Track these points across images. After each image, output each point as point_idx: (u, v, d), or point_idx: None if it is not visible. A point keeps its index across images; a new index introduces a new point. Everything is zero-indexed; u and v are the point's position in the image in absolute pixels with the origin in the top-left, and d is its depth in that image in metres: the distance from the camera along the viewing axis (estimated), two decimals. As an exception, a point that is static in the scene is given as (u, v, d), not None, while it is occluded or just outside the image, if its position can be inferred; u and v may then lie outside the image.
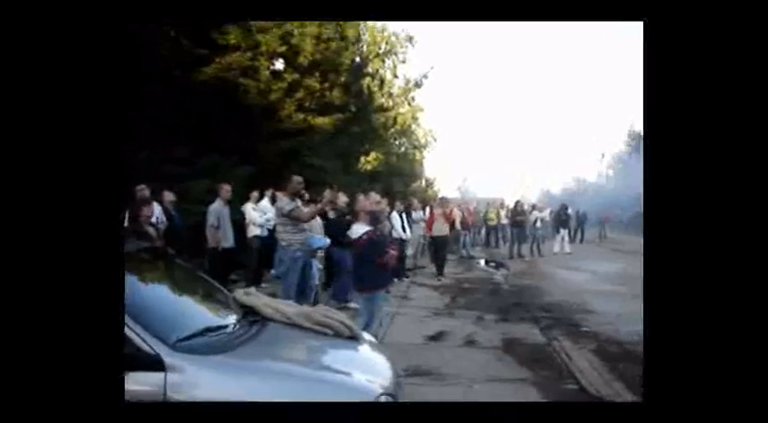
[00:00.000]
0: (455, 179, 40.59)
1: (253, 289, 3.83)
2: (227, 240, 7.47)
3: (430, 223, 10.72)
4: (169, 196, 7.15)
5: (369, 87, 15.32)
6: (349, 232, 5.09)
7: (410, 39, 16.53)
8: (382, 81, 16.60)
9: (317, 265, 6.60)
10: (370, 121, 15.53)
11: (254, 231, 8.30)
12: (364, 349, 3.20)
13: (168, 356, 2.29)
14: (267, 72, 10.46)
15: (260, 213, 8.36)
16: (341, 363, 2.87)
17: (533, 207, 16.91)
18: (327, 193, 7.03)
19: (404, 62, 17.09)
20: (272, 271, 8.05)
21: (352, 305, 6.37)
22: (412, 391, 3.77)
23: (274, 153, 10.59)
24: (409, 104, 18.35)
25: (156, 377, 2.25)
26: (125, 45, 2.01)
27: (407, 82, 17.78)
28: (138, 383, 2.21)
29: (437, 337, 6.01)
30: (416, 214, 11.69)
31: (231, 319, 2.97)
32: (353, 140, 14.43)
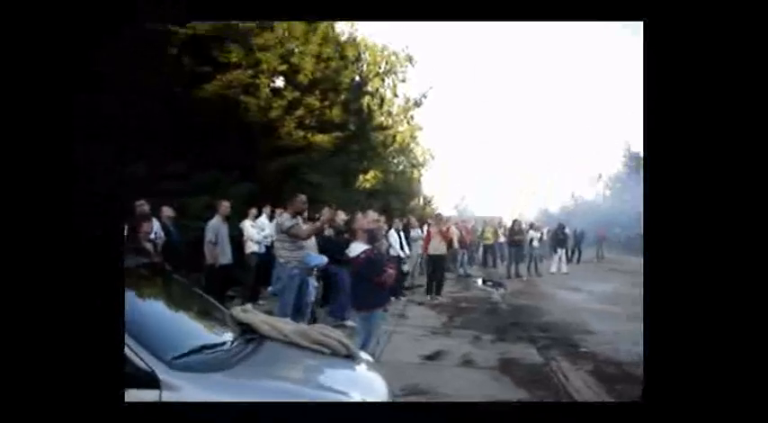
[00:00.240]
0: (453, 197, 40.73)
1: (250, 306, 3.83)
2: (225, 257, 7.44)
3: (426, 242, 10.58)
4: (168, 212, 7.15)
5: (368, 106, 15.42)
6: (347, 251, 5.09)
7: (410, 58, 16.68)
8: (382, 100, 16.68)
9: (312, 283, 6.59)
10: (370, 140, 15.61)
11: (251, 248, 8.30)
12: (361, 369, 3.19)
13: (164, 374, 2.28)
14: (267, 90, 10.56)
15: (258, 230, 8.37)
16: (338, 382, 2.87)
17: (531, 226, 16.83)
18: (326, 212, 7.05)
19: (404, 81, 17.21)
20: (269, 288, 8.03)
21: (349, 323, 6.34)
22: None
23: (274, 170, 10.63)
24: (408, 123, 18.41)
25: (151, 395, 2.23)
26: (126, 61, 2.03)
27: (407, 101, 17.87)
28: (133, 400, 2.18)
29: (434, 357, 5.98)
30: (414, 232, 11.65)
31: (228, 336, 2.96)
32: (352, 158, 14.49)
